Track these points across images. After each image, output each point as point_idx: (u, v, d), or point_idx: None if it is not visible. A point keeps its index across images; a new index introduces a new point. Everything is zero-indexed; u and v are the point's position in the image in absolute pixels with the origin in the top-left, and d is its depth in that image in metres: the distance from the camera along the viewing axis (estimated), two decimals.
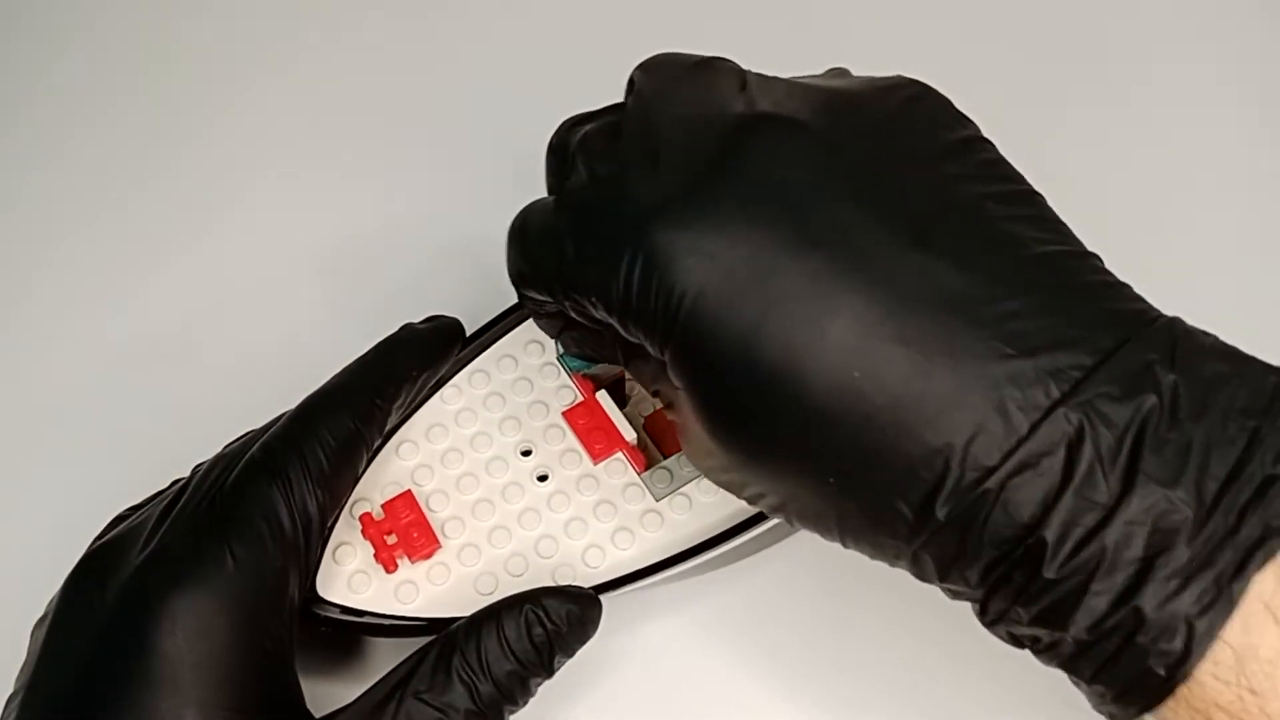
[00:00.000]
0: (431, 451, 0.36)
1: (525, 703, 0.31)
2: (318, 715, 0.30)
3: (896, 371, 0.26)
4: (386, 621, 0.33)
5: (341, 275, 0.46)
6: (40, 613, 0.32)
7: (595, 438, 0.36)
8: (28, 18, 0.54)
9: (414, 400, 0.37)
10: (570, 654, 0.32)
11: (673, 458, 0.36)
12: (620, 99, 0.33)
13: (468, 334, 0.38)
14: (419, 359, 0.36)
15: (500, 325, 0.38)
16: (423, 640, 0.31)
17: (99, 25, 0.54)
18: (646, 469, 0.36)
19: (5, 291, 0.46)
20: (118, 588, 0.30)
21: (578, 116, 0.33)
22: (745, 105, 0.29)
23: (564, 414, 0.37)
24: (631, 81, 0.32)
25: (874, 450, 0.26)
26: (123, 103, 0.51)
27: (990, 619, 0.27)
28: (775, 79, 0.30)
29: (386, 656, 0.35)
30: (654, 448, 0.38)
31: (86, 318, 0.45)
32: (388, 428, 0.36)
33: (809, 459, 0.27)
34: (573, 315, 0.32)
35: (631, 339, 0.30)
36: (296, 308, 0.45)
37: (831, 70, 0.33)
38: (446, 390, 0.37)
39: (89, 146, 0.50)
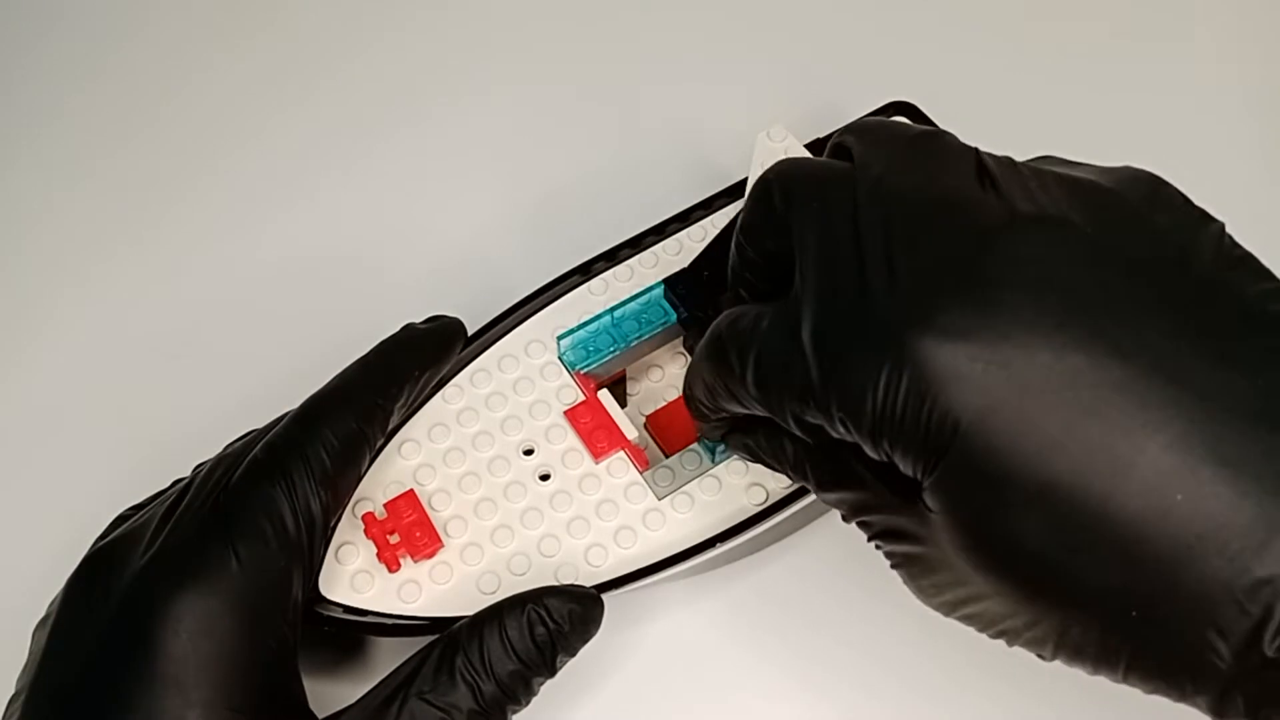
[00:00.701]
0: (434, 451, 0.36)
1: (528, 702, 0.31)
2: (321, 715, 0.30)
3: (1220, 495, 0.23)
4: (389, 621, 0.33)
5: (343, 275, 0.46)
6: (42, 613, 0.32)
7: (597, 437, 0.36)
8: (30, 24, 0.54)
9: (416, 400, 0.37)
10: (573, 653, 0.32)
11: (674, 456, 0.36)
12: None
13: (469, 333, 0.38)
14: (421, 359, 0.36)
15: (501, 325, 0.38)
16: (425, 639, 0.31)
17: (97, 27, 0.54)
18: (648, 468, 0.36)
19: (5, 291, 0.46)
20: (121, 588, 0.30)
21: (762, 188, 0.30)
22: (1001, 198, 0.26)
23: (566, 413, 0.37)
24: (841, 148, 0.29)
25: (1191, 582, 0.23)
26: (123, 104, 0.51)
27: None
28: (1011, 162, 0.28)
29: (389, 656, 0.36)
30: (656, 446, 0.38)
31: (86, 318, 0.45)
32: (390, 427, 0.36)
33: (1109, 591, 0.24)
34: (779, 424, 0.29)
35: (876, 458, 0.27)
36: (298, 307, 0.45)
37: (1044, 158, 0.29)
38: (448, 390, 0.37)
39: (90, 145, 0.50)
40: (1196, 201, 0.27)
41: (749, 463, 0.35)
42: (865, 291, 0.26)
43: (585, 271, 0.40)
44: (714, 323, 0.31)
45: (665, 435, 0.38)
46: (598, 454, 0.36)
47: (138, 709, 0.28)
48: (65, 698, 0.29)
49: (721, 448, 0.35)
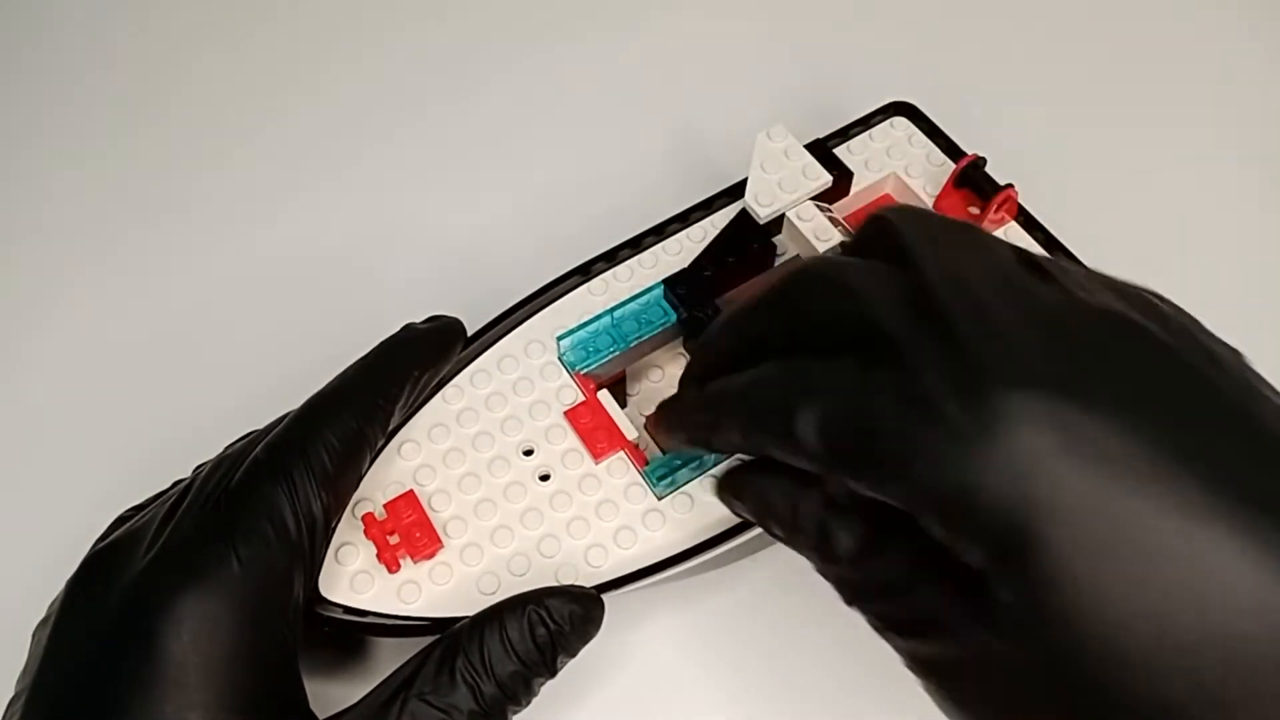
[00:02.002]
0: (433, 451, 0.36)
1: (528, 703, 0.31)
2: (321, 716, 0.30)
3: None
4: (389, 621, 0.33)
5: (343, 275, 0.46)
6: (41, 613, 0.32)
7: (597, 437, 0.36)
8: (31, 21, 0.54)
9: (416, 400, 0.37)
10: (573, 654, 0.32)
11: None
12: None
13: (469, 334, 0.38)
14: (421, 359, 0.36)
15: (501, 325, 0.38)
16: (426, 640, 0.31)
17: (96, 26, 0.54)
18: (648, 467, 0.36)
19: (5, 291, 0.46)
20: (122, 589, 0.30)
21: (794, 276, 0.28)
22: (1064, 293, 0.25)
23: (565, 413, 0.37)
24: (885, 232, 0.27)
25: None
26: (126, 101, 0.51)
27: None
28: (1052, 260, 0.27)
29: (390, 657, 0.36)
30: (656, 446, 0.38)
31: (86, 318, 0.45)
32: (390, 427, 0.35)
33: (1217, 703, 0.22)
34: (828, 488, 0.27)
35: (935, 536, 0.24)
36: (298, 308, 0.45)
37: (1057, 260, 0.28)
38: (448, 390, 0.37)
39: (90, 144, 0.50)
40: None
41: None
42: (959, 359, 0.24)
43: (585, 272, 0.40)
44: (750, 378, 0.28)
45: None
46: (597, 454, 0.36)
47: (138, 710, 0.28)
48: (66, 699, 0.29)
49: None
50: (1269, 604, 0.22)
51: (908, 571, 0.26)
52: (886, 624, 0.26)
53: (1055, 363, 0.24)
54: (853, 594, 0.27)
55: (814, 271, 0.28)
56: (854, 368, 0.26)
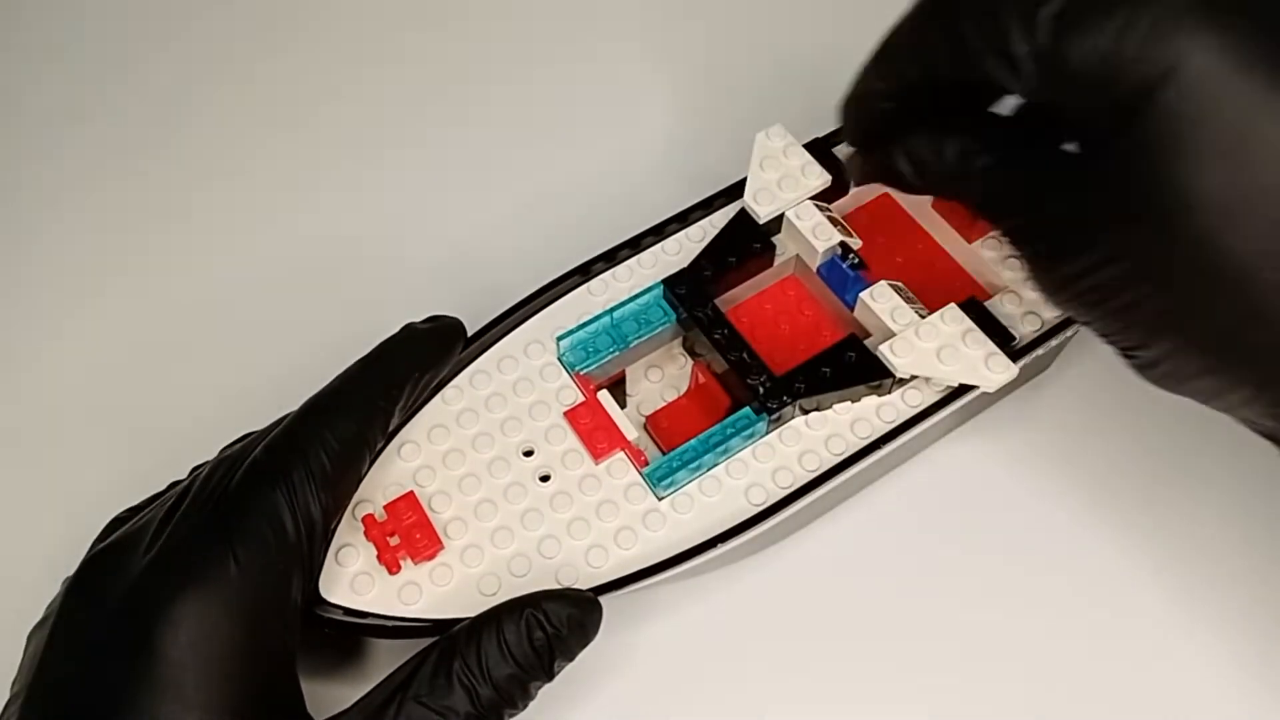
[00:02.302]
0: (433, 452, 0.36)
1: (525, 706, 0.31)
2: (319, 718, 0.30)
3: None
4: (390, 623, 0.33)
5: (343, 275, 0.46)
6: (38, 614, 0.32)
7: (597, 437, 0.36)
8: (21, 18, 0.54)
9: (416, 401, 0.37)
10: (571, 658, 0.32)
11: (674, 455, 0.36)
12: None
13: (469, 334, 0.38)
14: (421, 359, 0.36)
15: (501, 326, 0.38)
16: (426, 641, 0.31)
17: (95, 25, 0.54)
18: (648, 468, 0.36)
19: (4, 291, 0.46)
20: (121, 592, 0.30)
21: None
22: None
23: (565, 414, 0.37)
24: None
25: None
26: (125, 102, 0.51)
27: None
28: None
29: (387, 658, 0.36)
30: (656, 447, 0.38)
31: (87, 318, 0.45)
32: (390, 428, 0.36)
33: (1260, 268, 0.26)
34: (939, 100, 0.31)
35: (1061, 99, 0.28)
36: (297, 308, 0.45)
37: None
38: (448, 391, 0.37)
39: (89, 144, 0.50)
40: None
41: (898, 185, 0.35)
42: None
43: (584, 272, 0.40)
44: None
45: (665, 436, 0.38)
46: (597, 455, 0.36)
47: (136, 712, 0.28)
48: (63, 701, 0.29)
49: (721, 449, 0.35)
50: None
51: (1026, 168, 0.30)
52: (1010, 211, 0.31)
53: None
54: (987, 199, 0.31)
55: None
56: None
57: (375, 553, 0.34)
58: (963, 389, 0.37)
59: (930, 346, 0.36)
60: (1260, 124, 0.25)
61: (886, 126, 0.33)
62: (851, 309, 0.38)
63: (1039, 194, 0.30)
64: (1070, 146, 0.30)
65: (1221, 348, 0.27)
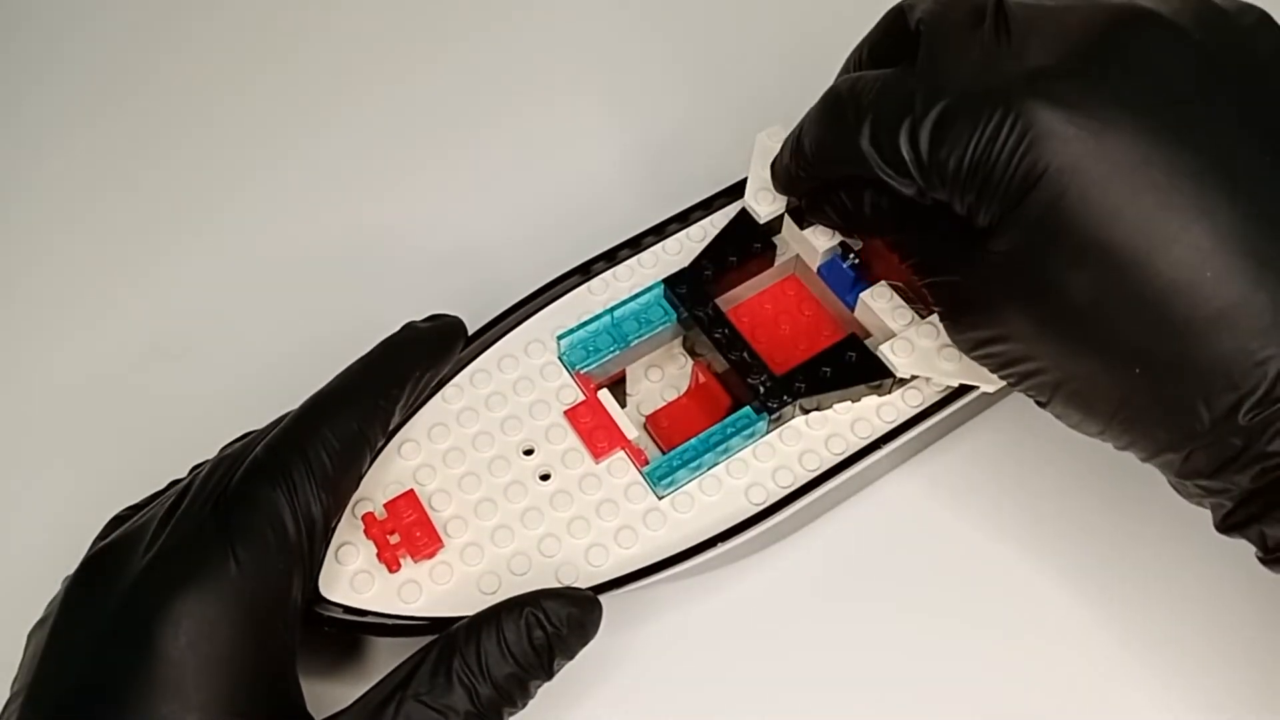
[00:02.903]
0: (434, 451, 0.36)
1: (525, 705, 0.31)
2: (318, 717, 0.30)
3: (1243, 280, 0.27)
4: (390, 621, 0.33)
5: (343, 274, 0.46)
6: (38, 613, 0.32)
7: (597, 436, 0.36)
8: (30, 15, 0.54)
9: (417, 400, 0.37)
10: (570, 656, 0.32)
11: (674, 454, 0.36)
12: None
13: (469, 333, 0.38)
14: (422, 358, 0.36)
15: (502, 324, 0.38)
16: (426, 640, 0.31)
17: (99, 23, 0.54)
18: (648, 467, 0.36)
19: (4, 291, 0.46)
20: (121, 591, 0.30)
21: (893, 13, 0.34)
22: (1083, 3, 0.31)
23: (566, 413, 0.37)
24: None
25: (1197, 349, 0.28)
26: (125, 102, 0.51)
27: (1239, 520, 0.29)
28: None
29: (388, 657, 0.36)
30: (656, 445, 0.38)
31: (87, 317, 0.45)
32: (390, 427, 0.36)
33: (1128, 344, 0.29)
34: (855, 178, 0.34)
35: (958, 208, 0.31)
36: (297, 308, 0.45)
37: None
38: (448, 390, 0.37)
39: (89, 145, 0.50)
40: None
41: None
42: (985, 54, 0.30)
43: (585, 271, 0.40)
44: (832, 84, 0.34)
45: (665, 435, 0.38)
46: (598, 454, 0.36)
47: (136, 712, 0.28)
48: (64, 700, 0.29)
49: (722, 448, 0.35)
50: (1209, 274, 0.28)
51: (931, 237, 0.33)
52: (928, 270, 0.33)
53: (1073, 62, 0.29)
54: (905, 252, 0.34)
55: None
56: (901, 71, 0.31)
57: (375, 551, 0.34)
58: (963, 389, 0.37)
59: (930, 346, 0.36)
60: (1118, 229, 0.28)
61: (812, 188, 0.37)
62: (852, 309, 0.38)
63: (947, 267, 0.32)
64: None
65: (1106, 411, 0.30)
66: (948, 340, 0.36)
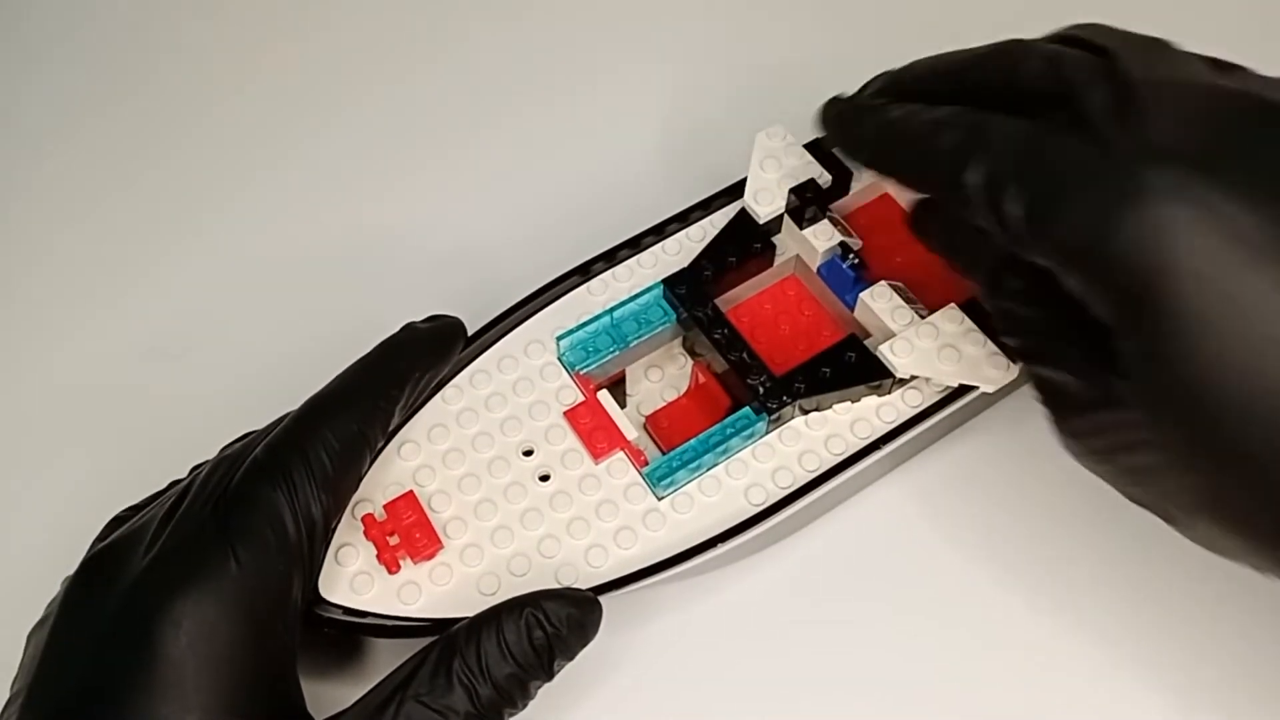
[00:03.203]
0: (433, 452, 0.36)
1: (525, 705, 0.31)
2: (318, 718, 0.30)
3: None
4: (389, 622, 0.33)
5: (342, 275, 0.46)
6: (38, 613, 0.32)
7: (597, 437, 0.36)
8: (26, 14, 0.54)
9: (416, 400, 0.37)
10: (570, 657, 0.32)
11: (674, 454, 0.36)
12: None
13: (469, 334, 0.38)
14: (421, 359, 0.36)
15: (502, 325, 0.38)
16: (425, 641, 0.31)
17: (97, 22, 0.54)
18: (648, 468, 0.36)
19: (4, 291, 0.46)
20: (121, 591, 0.30)
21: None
22: (1254, 89, 0.29)
23: (565, 414, 0.37)
24: (1079, 41, 0.31)
25: None
26: (125, 102, 0.51)
27: None
28: (1239, 66, 0.30)
29: (387, 658, 0.36)
30: (656, 447, 0.38)
31: (86, 317, 0.45)
32: (390, 428, 0.36)
33: None
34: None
35: (1072, 290, 0.28)
36: (297, 308, 0.45)
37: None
38: (448, 390, 0.37)
39: (89, 145, 0.50)
40: None
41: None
42: (1133, 124, 0.27)
43: (584, 272, 0.40)
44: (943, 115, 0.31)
45: (665, 435, 0.38)
46: (597, 454, 0.36)
47: (136, 712, 0.28)
48: (63, 701, 0.29)
49: (721, 449, 0.35)
50: None
51: (1052, 319, 0.30)
52: (1028, 356, 0.31)
53: (1206, 144, 0.27)
54: (1007, 326, 0.32)
55: (1027, 42, 0.32)
56: (1029, 126, 0.29)
57: (375, 552, 0.34)
58: (963, 389, 0.37)
59: (930, 346, 0.36)
60: (1262, 317, 0.25)
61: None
62: (851, 309, 0.38)
63: (1063, 359, 0.30)
64: None
65: (1260, 533, 0.27)
66: (948, 340, 0.36)
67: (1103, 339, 0.28)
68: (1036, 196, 0.28)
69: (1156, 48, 0.30)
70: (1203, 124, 0.27)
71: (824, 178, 0.39)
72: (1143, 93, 0.28)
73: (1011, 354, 0.32)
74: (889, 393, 0.37)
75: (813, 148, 0.40)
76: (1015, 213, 0.28)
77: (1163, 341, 0.26)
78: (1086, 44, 0.30)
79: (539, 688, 0.31)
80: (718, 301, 0.38)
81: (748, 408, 0.36)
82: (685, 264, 0.39)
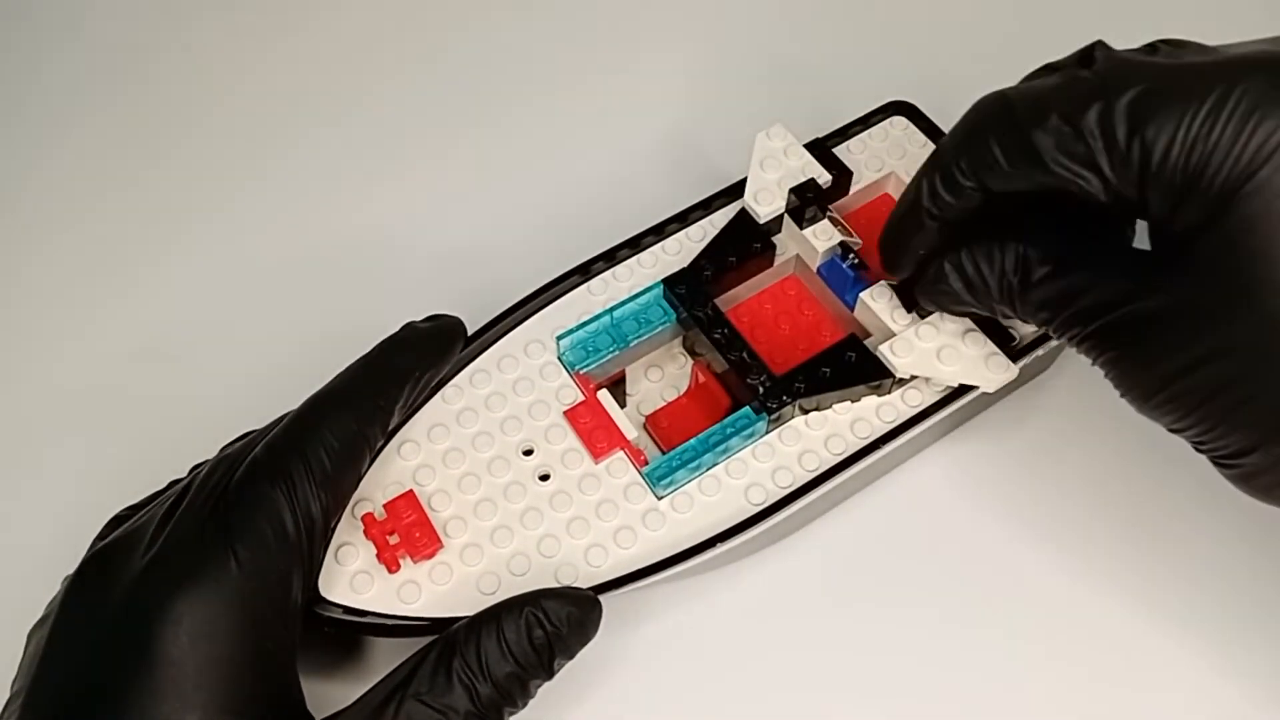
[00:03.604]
0: (433, 451, 0.36)
1: (525, 704, 0.31)
2: (318, 716, 0.30)
3: None
4: (389, 621, 0.33)
5: (342, 275, 0.46)
6: (38, 613, 0.32)
7: (597, 437, 0.36)
8: (25, 14, 0.54)
9: (416, 400, 0.37)
10: (570, 656, 0.32)
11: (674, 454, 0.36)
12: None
13: (469, 333, 0.38)
14: (421, 359, 0.36)
15: (501, 325, 0.38)
16: (425, 640, 0.31)
17: (97, 22, 0.54)
18: (648, 467, 0.36)
19: (4, 291, 0.46)
20: (122, 591, 0.30)
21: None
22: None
23: (565, 413, 0.37)
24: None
25: None
26: (125, 102, 0.51)
27: None
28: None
29: (388, 657, 0.36)
30: (656, 446, 0.38)
31: (87, 317, 0.45)
32: (390, 427, 0.36)
33: None
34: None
35: (1160, 200, 0.27)
36: (297, 308, 0.45)
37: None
38: (448, 390, 0.37)
39: (90, 144, 0.50)
40: None
41: (947, 308, 0.35)
42: (1177, 53, 0.28)
43: (584, 271, 0.40)
44: (983, 98, 0.31)
45: (665, 435, 0.38)
46: (597, 454, 0.36)
47: (136, 711, 0.28)
48: (64, 700, 0.29)
49: (721, 448, 0.35)
50: None
51: (1100, 268, 0.30)
52: (1089, 316, 0.30)
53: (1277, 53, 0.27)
54: (1055, 309, 0.31)
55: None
56: (1077, 74, 0.29)
57: (375, 551, 0.34)
58: (963, 389, 0.37)
59: (930, 346, 0.36)
60: None
61: (930, 247, 0.33)
62: (851, 309, 0.38)
63: (1122, 293, 0.29)
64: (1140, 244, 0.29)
65: None
66: (948, 340, 0.36)
67: (1155, 269, 0.28)
68: (1127, 106, 0.27)
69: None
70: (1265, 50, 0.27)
71: (824, 178, 0.39)
72: (1200, 47, 0.29)
73: (1073, 326, 0.30)
74: (889, 393, 0.37)
75: (813, 148, 0.40)
76: (1097, 143, 0.28)
77: (1265, 230, 0.26)
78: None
79: (539, 686, 0.31)
80: (718, 301, 0.38)
81: (748, 407, 0.36)
82: (685, 264, 0.39)
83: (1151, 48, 0.30)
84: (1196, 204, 0.27)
